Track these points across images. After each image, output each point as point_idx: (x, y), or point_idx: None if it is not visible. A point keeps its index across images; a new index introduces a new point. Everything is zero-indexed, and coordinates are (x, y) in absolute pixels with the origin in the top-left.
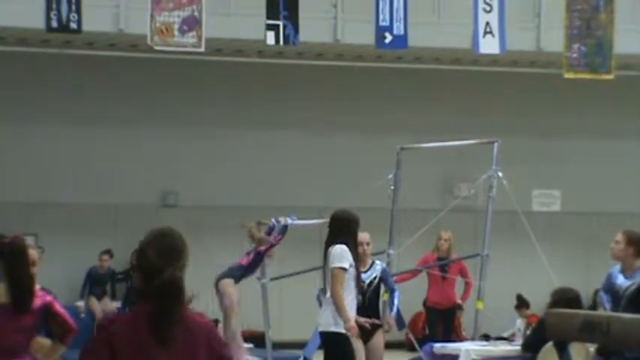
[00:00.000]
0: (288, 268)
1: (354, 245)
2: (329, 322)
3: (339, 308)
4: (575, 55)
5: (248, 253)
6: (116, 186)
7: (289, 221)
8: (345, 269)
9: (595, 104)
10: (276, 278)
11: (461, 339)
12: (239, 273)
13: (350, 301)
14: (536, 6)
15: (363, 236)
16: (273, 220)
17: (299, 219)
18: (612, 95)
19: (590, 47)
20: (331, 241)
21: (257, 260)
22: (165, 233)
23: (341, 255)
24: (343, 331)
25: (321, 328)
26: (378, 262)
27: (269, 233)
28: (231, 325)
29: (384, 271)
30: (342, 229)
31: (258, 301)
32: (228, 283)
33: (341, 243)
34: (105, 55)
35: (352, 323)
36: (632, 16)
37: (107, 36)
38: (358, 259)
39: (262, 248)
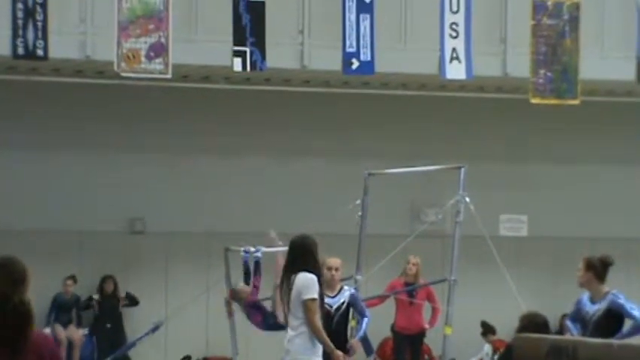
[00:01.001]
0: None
1: (317, 271)
2: (302, 352)
3: (322, 341)
4: (541, 80)
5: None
6: (83, 212)
7: (259, 255)
8: (316, 299)
9: (561, 129)
10: None
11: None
12: (272, 321)
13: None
14: (502, 32)
15: (333, 261)
16: (242, 252)
17: (267, 246)
18: (578, 120)
19: (556, 73)
20: (294, 268)
21: (258, 309)
22: (12, 261)
23: (311, 285)
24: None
25: (290, 357)
26: (346, 287)
27: (247, 271)
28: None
29: (352, 296)
30: (306, 255)
31: (225, 327)
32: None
33: (305, 270)
34: (72, 82)
35: (339, 353)
36: (597, 42)
37: (74, 63)
38: (325, 284)
39: (251, 299)
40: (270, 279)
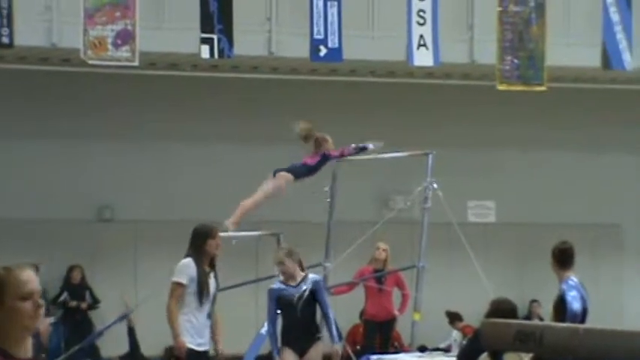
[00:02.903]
0: (223, 282)
1: (203, 258)
2: (185, 336)
3: (169, 322)
4: (507, 67)
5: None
6: (51, 200)
7: (371, 146)
8: (179, 284)
9: (528, 116)
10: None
11: (404, 349)
12: (302, 170)
13: (194, 318)
14: (469, 18)
15: (276, 257)
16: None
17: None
18: (545, 107)
19: (522, 59)
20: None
21: (322, 162)
22: None
23: (180, 269)
24: (194, 347)
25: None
26: (312, 275)
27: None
28: (247, 203)
29: (315, 283)
30: (192, 242)
31: None
32: (284, 176)
33: (187, 256)
34: (38, 70)
35: (180, 341)
36: (563, 29)
37: (40, 50)
38: (285, 277)
39: (333, 152)
40: (238, 268)
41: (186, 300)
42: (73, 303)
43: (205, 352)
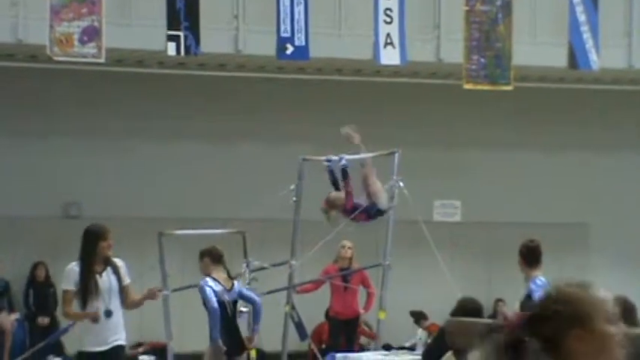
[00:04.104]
0: (190, 280)
1: (94, 260)
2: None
3: (75, 319)
4: (474, 66)
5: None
6: (17, 197)
7: (345, 163)
8: (66, 290)
9: (494, 115)
10: (178, 289)
11: (373, 338)
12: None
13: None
14: (435, 17)
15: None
16: (326, 162)
17: (203, 228)
18: (511, 106)
19: (489, 59)
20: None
21: (357, 209)
22: None
23: (65, 276)
24: (89, 349)
25: None
26: (236, 282)
27: (334, 181)
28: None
29: (238, 292)
30: (83, 244)
31: (159, 312)
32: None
33: (77, 259)
34: (3, 66)
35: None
36: (530, 28)
37: (5, 46)
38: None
39: (349, 205)
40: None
41: (76, 303)
42: (44, 321)
43: (106, 351)
